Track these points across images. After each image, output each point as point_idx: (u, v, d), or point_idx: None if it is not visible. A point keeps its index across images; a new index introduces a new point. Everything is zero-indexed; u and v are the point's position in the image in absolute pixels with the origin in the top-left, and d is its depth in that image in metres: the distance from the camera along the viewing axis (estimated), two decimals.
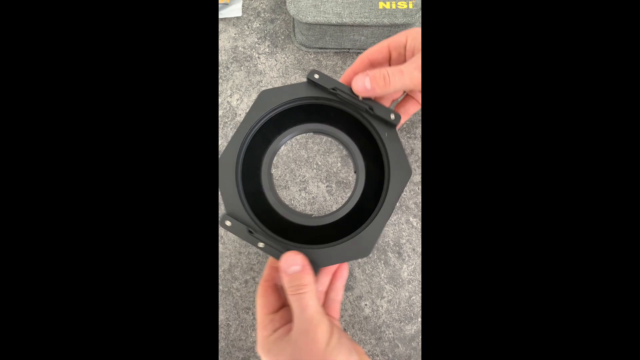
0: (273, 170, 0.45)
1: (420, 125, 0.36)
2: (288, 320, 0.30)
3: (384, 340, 0.41)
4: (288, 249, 0.27)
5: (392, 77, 0.30)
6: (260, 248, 0.27)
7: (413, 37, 0.32)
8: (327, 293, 0.35)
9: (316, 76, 0.30)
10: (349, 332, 0.41)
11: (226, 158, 0.28)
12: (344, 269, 0.34)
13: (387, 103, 0.37)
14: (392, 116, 0.30)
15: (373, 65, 0.34)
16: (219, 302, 0.41)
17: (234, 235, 0.43)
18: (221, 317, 0.41)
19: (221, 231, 0.43)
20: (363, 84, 0.30)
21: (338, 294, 0.35)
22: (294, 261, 0.29)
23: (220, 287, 0.42)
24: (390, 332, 0.41)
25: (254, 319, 0.41)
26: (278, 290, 0.31)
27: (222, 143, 0.46)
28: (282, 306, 0.31)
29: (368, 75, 0.30)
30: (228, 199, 0.27)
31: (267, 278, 0.31)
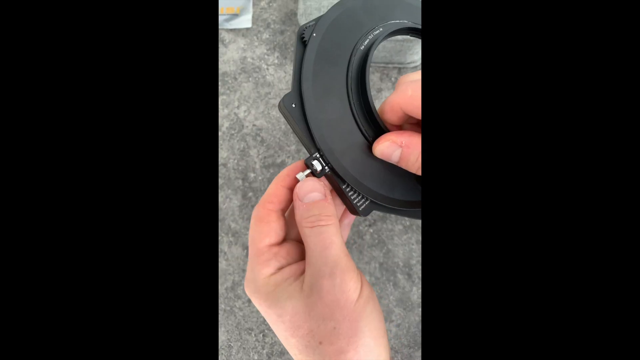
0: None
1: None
2: (296, 258, 0.24)
3: None
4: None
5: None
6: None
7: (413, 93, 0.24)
8: None
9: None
10: None
11: None
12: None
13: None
14: None
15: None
16: (220, 322, 0.40)
17: (237, 252, 0.42)
18: (222, 337, 0.39)
19: (224, 247, 0.42)
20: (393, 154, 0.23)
21: (344, 234, 0.28)
22: (313, 187, 0.22)
23: (222, 306, 0.40)
24: (399, 359, 0.39)
25: (257, 340, 0.39)
26: (284, 218, 0.24)
27: (229, 155, 0.45)
28: (284, 241, 0.24)
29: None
30: None
31: (271, 199, 0.23)
